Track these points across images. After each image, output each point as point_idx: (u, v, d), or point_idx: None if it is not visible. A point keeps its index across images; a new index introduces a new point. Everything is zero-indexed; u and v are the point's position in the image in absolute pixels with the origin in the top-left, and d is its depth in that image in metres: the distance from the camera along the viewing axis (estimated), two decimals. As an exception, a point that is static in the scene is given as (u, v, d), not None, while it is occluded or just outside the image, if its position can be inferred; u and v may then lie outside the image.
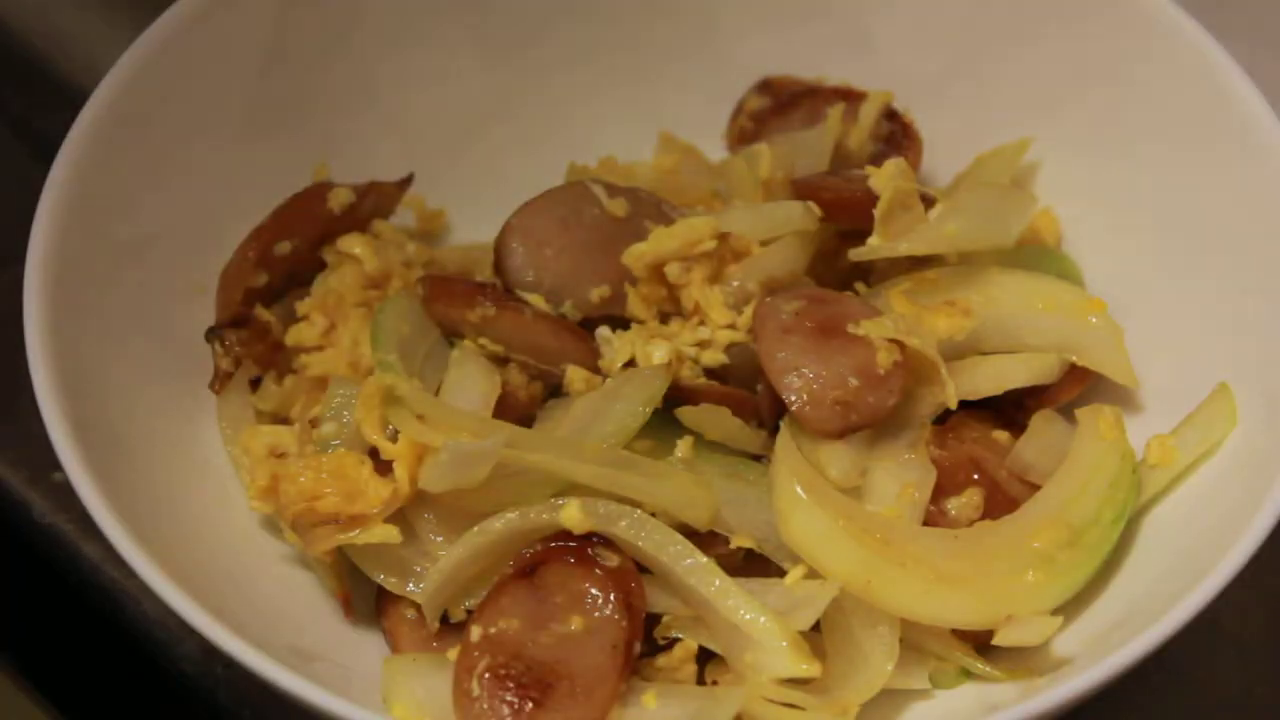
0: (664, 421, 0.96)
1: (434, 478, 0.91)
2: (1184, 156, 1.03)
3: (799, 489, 0.90)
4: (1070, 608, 0.92)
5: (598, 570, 0.90)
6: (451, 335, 1.01)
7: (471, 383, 0.98)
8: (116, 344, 0.97)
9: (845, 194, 1.02)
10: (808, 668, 0.87)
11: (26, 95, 1.34)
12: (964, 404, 0.98)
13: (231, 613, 0.85)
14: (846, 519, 0.90)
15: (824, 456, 0.94)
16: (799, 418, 0.94)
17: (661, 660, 0.92)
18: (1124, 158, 1.07)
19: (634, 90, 1.20)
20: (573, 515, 0.89)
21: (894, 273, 1.04)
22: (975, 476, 0.97)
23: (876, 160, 1.08)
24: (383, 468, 0.94)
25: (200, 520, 0.96)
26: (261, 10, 1.07)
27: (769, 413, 0.97)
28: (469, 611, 0.92)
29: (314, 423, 0.99)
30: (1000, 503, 0.96)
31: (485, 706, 0.86)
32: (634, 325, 1.01)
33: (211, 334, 1.02)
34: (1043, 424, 1.00)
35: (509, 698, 0.86)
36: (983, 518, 0.95)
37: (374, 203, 1.09)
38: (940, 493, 0.96)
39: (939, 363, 0.96)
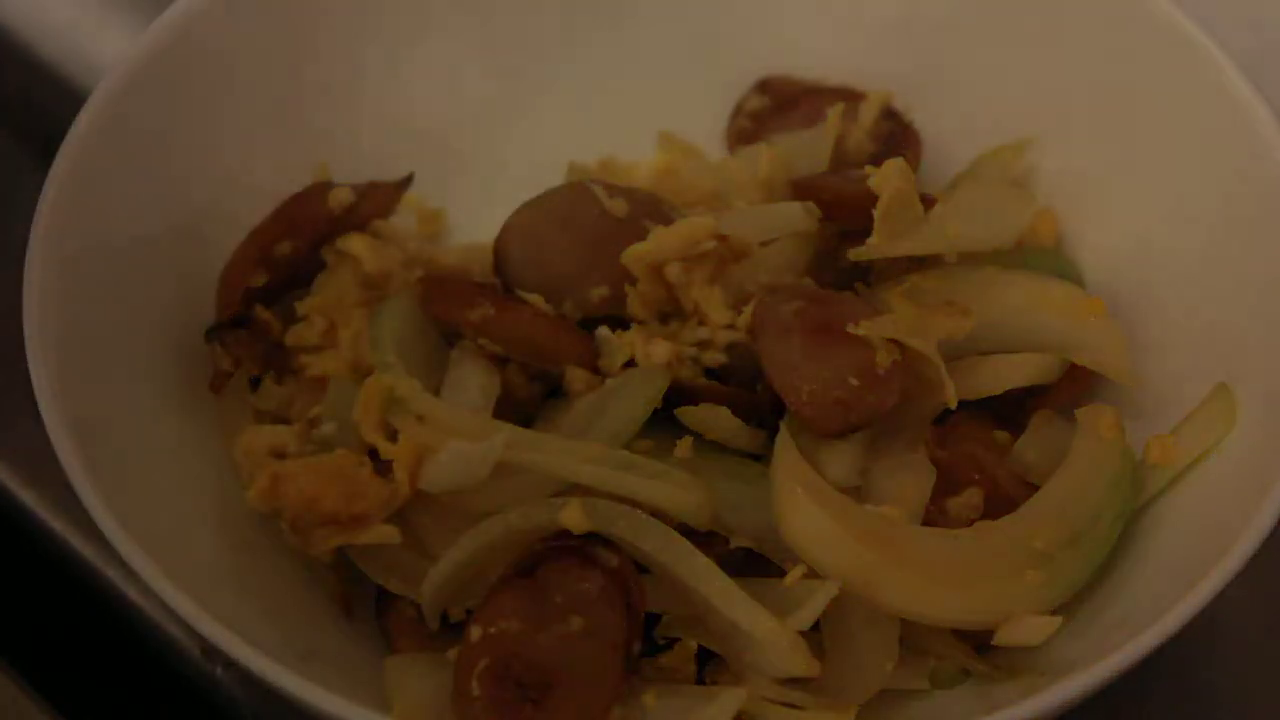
0: (664, 421, 0.96)
1: (434, 478, 0.91)
2: (1184, 156, 1.03)
3: (799, 489, 0.90)
4: (1070, 608, 0.92)
5: (598, 570, 0.90)
6: (451, 335, 1.01)
7: (471, 383, 0.98)
8: (116, 344, 0.97)
9: (845, 194, 1.02)
10: (807, 667, 0.87)
11: (26, 95, 1.34)
12: (964, 404, 0.98)
13: (231, 612, 0.85)
14: (846, 519, 0.90)
15: (824, 456, 0.94)
16: (799, 417, 0.94)
17: (661, 660, 0.92)
18: (1124, 157, 1.07)
19: (634, 90, 1.20)
20: (573, 515, 0.89)
21: (894, 273, 1.03)
22: (975, 476, 0.97)
23: (876, 160, 1.08)
24: (383, 468, 0.94)
25: (200, 520, 0.96)
26: (262, 10, 1.07)
27: (769, 413, 0.97)
28: (469, 611, 0.92)
29: (314, 423, 0.99)
30: (1000, 503, 0.96)
31: (485, 706, 0.86)
32: (634, 325, 1.01)
33: (211, 334, 1.02)
34: (1043, 424, 1.00)
35: (509, 698, 0.86)
36: (983, 518, 0.95)
37: (374, 203, 1.09)
38: (940, 493, 0.96)
39: (939, 363, 0.96)
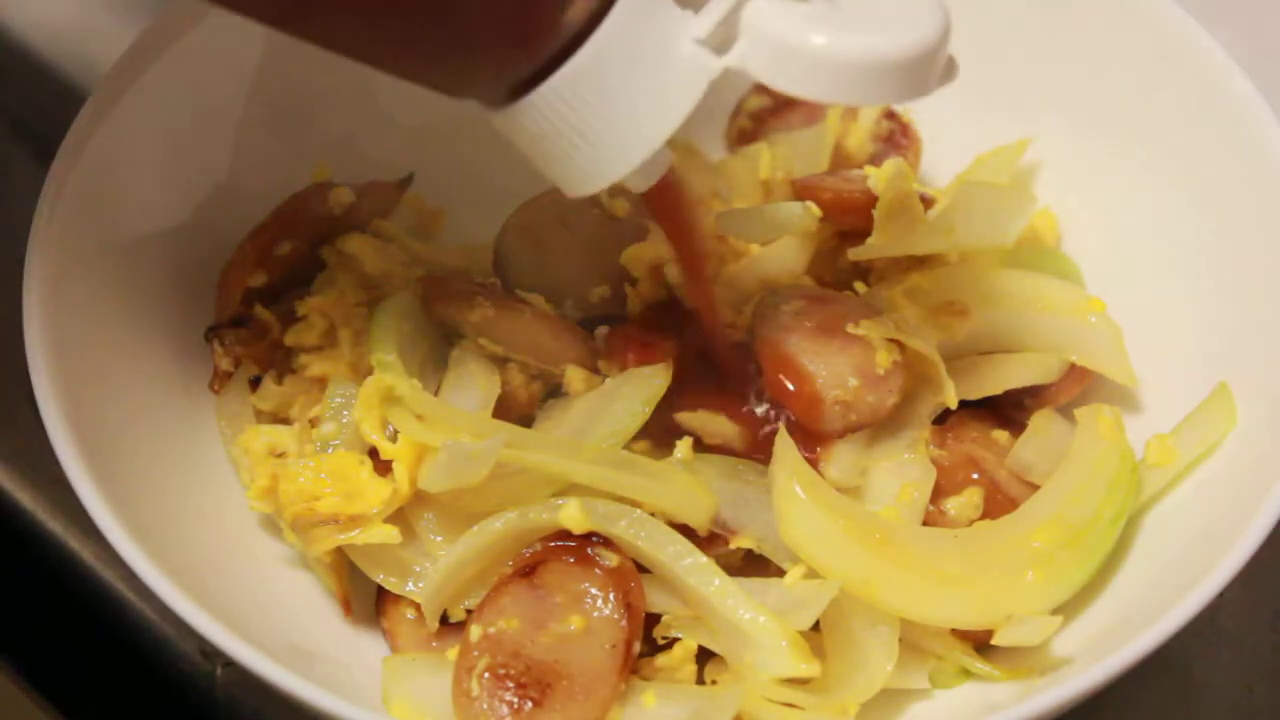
0: (664, 421, 0.96)
1: (434, 478, 0.91)
2: (1184, 156, 1.03)
3: (799, 489, 0.90)
4: (1070, 608, 0.92)
5: (598, 570, 0.90)
6: (451, 335, 1.01)
7: (471, 383, 0.98)
8: (116, 344, 0.97)
9: (845, 194, 1.02)
10: (807, 667, 0.87)
11: (26, 95, 1.34)
12: (964, 404, 0.98)
13: (231, 613, 0.85)
14: (846, 519, 0.90)
15: (824, 456, 0.94)
16: (799, 417, 0.94)
17: (661, 660, 0.92)
18: (1124, 158, 1.07)
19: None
20: (573, 515, 0.89)
21: (894, 273, 1.03)
22: (975, 476, 0.97)
23: (876, 160, 1.08)
24: (383, 468, 0.94)
25: (200, 520, 0.96)
26: (261, 10, 1.07)
27: (768, 412, 0.97)
28: (469, 611, 0.92)
29: (314, 423, 0.99)
30: (1000, 503, 0.96)
31: (485, 706, 0.86)
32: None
33: (211, 334, 1.02)
34: (1043, 424, 0.99)
35: (508, 697, 0.86)
36: (983, 518, 0.96)
37: (374, 203, 1.09)
38: (940, 493, 0.96)
39: (939, 363, 0.96)
